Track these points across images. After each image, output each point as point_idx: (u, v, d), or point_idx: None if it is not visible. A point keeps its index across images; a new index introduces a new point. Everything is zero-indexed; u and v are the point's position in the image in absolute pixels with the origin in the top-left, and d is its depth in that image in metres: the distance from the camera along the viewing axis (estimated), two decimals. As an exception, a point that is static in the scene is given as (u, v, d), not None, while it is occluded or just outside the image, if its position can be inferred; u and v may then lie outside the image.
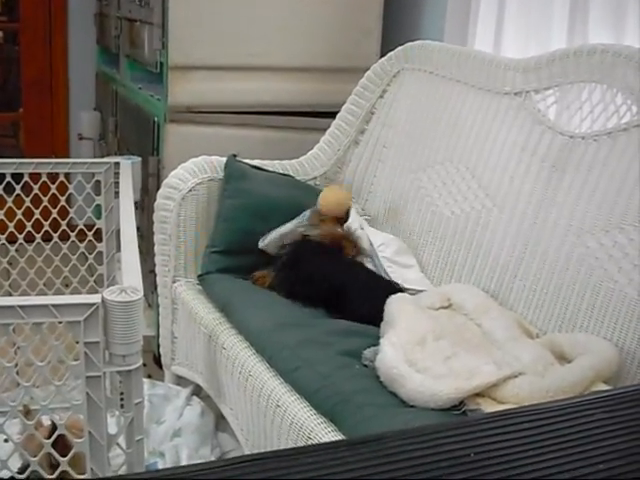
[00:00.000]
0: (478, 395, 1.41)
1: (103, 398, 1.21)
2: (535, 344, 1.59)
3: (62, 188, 2.10)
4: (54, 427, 1.33)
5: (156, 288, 2.20)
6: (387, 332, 1.59)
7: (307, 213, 2.03)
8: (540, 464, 0.53)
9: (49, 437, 1.29)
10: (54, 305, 1.17)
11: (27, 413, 1.52)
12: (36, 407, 1.36)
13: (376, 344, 1.55)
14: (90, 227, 2.12)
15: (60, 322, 1.20)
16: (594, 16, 1.94)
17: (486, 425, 0.57)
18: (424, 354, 1.51)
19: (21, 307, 1.17)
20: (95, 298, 1.18)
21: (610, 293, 1.58)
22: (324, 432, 1.42)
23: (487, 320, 1.66)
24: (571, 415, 0.60)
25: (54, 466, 1.32)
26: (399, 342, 1.52)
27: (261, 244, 2.01)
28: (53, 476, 1.32)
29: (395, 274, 1.94)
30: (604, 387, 1.45)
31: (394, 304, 1.68)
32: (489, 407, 1.38)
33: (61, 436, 1.30)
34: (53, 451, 1.28)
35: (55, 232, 2.09)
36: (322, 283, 1.84)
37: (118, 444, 1.27)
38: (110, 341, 1.19)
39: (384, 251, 1.97)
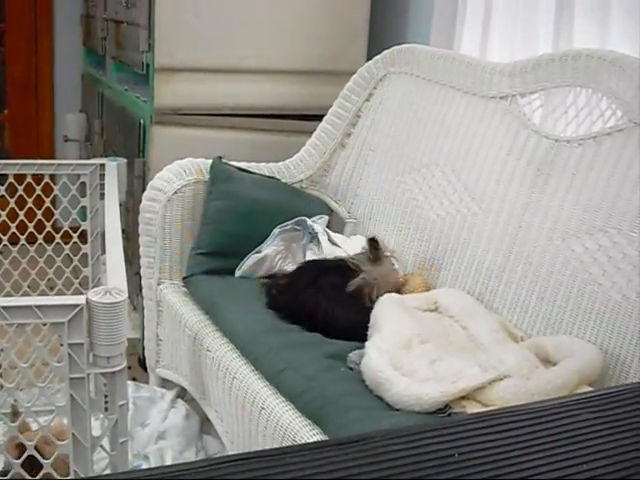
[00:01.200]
0: (463, 398, 1.41)
1: (87, 400, 1.21)
2: (520, 347, 1.60)
3: (47, 189, 2.08)
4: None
5: (141, 290, 2.19)
6: (372, 335, 1.59)
7: (276, 231, 2.01)
8: (524, 464, 0.53)
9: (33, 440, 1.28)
10: (38, 306, 1.16)
11: (14, 414, 1.50)
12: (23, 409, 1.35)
13: (361, 347, 1.55)
14: (75, 229, 2.11)
15: (44, 324, 1.20)
16: (579, 21, 1.95)
17: (471, 425, 0.57)
18: (410, 357, 1.51)
19: (4, 308, 1.16)
20: (79, 299, 1.17)
21: (594, 296, 1.58)
22: (309, 435, 1.41)
23: (472, 323, 1.67)
24: (556, 415, 0.60)
25: (36, 469, 1.31)
26: (384, 346, 1.52)
27: (238, 273, 1.99)
28: (37, 478, 1.31)
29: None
30: (589, 389, 1.46)
31: (380, 307, 1.68)
32: (474, 410, 1.38)
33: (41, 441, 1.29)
34: (37, 454, 1.27)
35: (40, 234, 2.08)
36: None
37: (102, 446, 1.26)
38: (94, 342, 1.18)
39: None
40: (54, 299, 1.19)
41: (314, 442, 0.56)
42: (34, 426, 1.47)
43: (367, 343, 1.55)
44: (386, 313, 1.65)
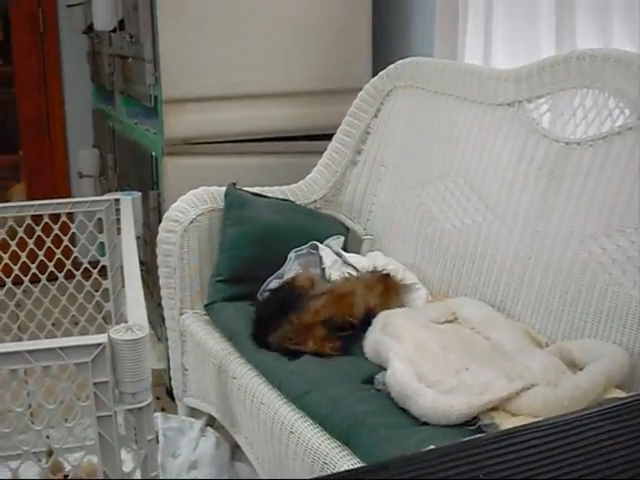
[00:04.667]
0: (492, 409, 1.40)
1: (115, 437, 1.21)
2: (545, 353, 1.59)
3: (65, 228, 2.10)
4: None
5: (164, 321, 2.20)
6: (393, 346, 1.58)
7: (292, 256, 2.01)
8: (549, 481, 0.53)
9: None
10: (61, 348, 1.17)
11: (49, 455, 1.51)
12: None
13: (385, 369, 1.55)
14: (95, 264, 2.13)
15: (71, 364, 1.20)
16: (581, 22, 1.94)
17: (494, 445, 0.57)
18: (433, 368, 1.51)
19: (28, 352, 1.17)
20: (101, 338, 1.18)
21: (616, 297, 1.57)
22: (339, 456, 1.41)
23: (495, 333, 1.66)
24: (579, 429, 0.60)
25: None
26: (407, 357, 1.52)
27: (260, 297, 1.99)
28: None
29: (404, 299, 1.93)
30: (617, 392, 1.45)
31: (397, 319, 1.67)
32: (504, 420, 1.37)
33: None
34: (69, 494, 1.28)
35: (60, 272, 2.10)
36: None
37: (133, 482, 1.26)
38: (119, 379, 1.19)
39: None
40: (77, 339, 1.20)
41: (334, 474, 0.56)
42: (67, 465, 1.48)
43: (390, 354, 1.55)
44: (405, 325, 1.65)
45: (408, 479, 0.51)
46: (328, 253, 2.02)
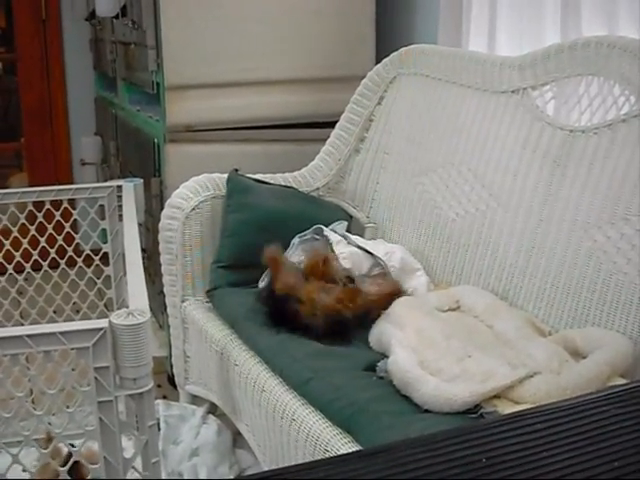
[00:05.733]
0: (495, 397, 1.39)
1: (116, 422, 1.21)
2: (548, 342, 1.58)
3: (66, 214, 2.10)
4: (69, 455, 1.33)
5: (166, 308, 2.20)
6: (396, 334, 1.57)
7: (296, 241, 2.00)
8: (554, 465, 0.52)
9: (64, 465, 1.28)
10: (62, 332, 1.17)
11: (48, 441, 1.51)
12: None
13: (387, 357, 1.54)
14: (97, 251, 2.12)
15: (70, 349, 1.20)
16: (586, 9, 1.93)
17: (497, 429, 0.56)
18: (435, 355, 1.50)
19: (29, 336, 1.16)
20: (102, 323, 1.18)
21: (620, 286, 1.56)
22: (341, 444, 1.41)
23: (498, 321, 1.65)
24: (584, 413, 0.59)
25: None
26: (409, 344, 1.52)
27: (261, 284, 1.97)
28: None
29: (406, 284, 1.93)
30: (621, 381, 1.44)
31: (400, 307, 1.67)
32: (506, 408, 1.36)
33: (77, 464, 1.29)
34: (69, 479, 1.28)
35: (62, 259, 2.09)
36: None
37: (134, 467, 1.26)
38: (120, 365, 1.18)
39: (391, 261, 1.95)
40: (77, 324, 1.20)
41: (341, 455, 0.55)
42: (65, 450, 1.48)
43: (392, 341, 1.54)
44: (407, 313, 1.64)
45: (412, 461, 0.50)
46: (334, 235, 2.02)
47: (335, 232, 2.05)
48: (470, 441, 0.54)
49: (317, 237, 2.03)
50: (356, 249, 1.97)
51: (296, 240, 2.01)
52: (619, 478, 0.50)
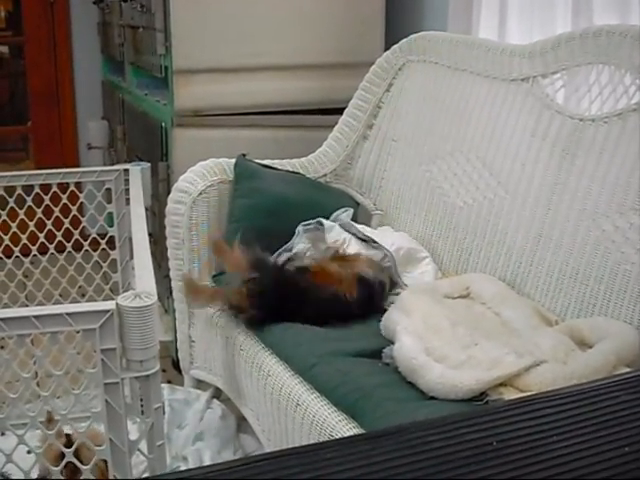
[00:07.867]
0: (501, 385, 1.39)
1: (122, 404, 1.21)
2: (555, 331, 1.58)
3: (73, 198, 2.10)
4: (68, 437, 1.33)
5: (172, 293, 2.20)
6: (402, 321, 1.57)
7: (300, 229, 2.00)
8: (564, 449, 0.52)
9: (68, 446, 1.29)
10: (69, 314, 1.17)
11: (49, 421, 1.51)
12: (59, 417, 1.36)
13: (393, 343, 1.54)
14: (103, 235, 2.12)
15: (76, 331, 1.20)
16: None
17: (508, 412, 0.56)
18: (441, 342, 1.50)
19: (36, 317, 1.16)
20: (109, 305, 1.18)
21: (628, 275, 1.56)
22: (345, 429, 1.41)
23: (505, 309, 1.65)
24: (595, 398, 0.59)
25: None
26: (415, 331, 1.51)
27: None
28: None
29: (411, 274, 1.93)
30: (627, 371, 1.44)
31: (408, 293, 1.66)
32: (512, 397, 1.36)
33: (79, 447, 1.29)
34: (75, 460, 1.28)
35: (68, 242, 2.09)
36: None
37: (140, 450, 1.26)
38: (127, 347, 1.19)
39: (398, 251, 1.95)
40: (84, 306, 1.20)
41: (349, 436, 0.55)
42: (65, 429, 1.48)
43: (397, 328, 1.54)
44: (416, 300, 1.64)
45: (422, 443, 0.50)
46: (337, 231, 2.00)
47: (340, 221, 2.05)
48: (480, 424, 0.54)
49: (320, 227, 2.03)
50: (349, 235, 1.97)
51: (300, 228, 2.01)
52: (630, 463, 0.50)
